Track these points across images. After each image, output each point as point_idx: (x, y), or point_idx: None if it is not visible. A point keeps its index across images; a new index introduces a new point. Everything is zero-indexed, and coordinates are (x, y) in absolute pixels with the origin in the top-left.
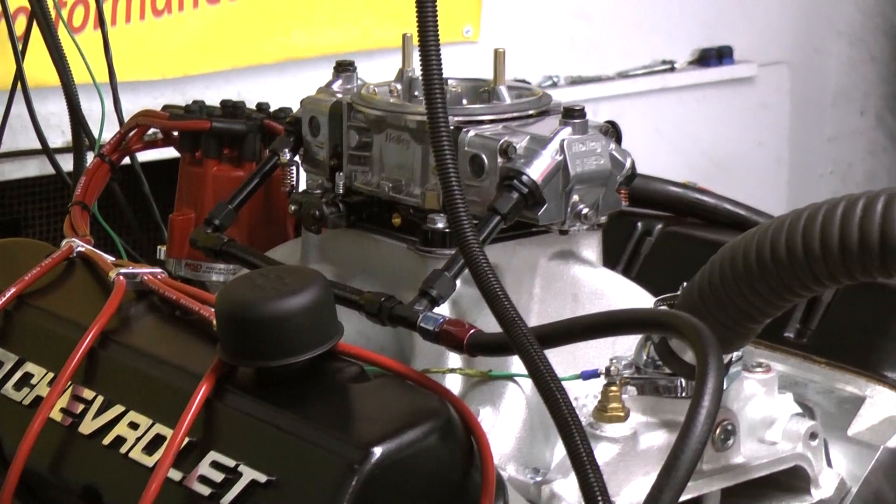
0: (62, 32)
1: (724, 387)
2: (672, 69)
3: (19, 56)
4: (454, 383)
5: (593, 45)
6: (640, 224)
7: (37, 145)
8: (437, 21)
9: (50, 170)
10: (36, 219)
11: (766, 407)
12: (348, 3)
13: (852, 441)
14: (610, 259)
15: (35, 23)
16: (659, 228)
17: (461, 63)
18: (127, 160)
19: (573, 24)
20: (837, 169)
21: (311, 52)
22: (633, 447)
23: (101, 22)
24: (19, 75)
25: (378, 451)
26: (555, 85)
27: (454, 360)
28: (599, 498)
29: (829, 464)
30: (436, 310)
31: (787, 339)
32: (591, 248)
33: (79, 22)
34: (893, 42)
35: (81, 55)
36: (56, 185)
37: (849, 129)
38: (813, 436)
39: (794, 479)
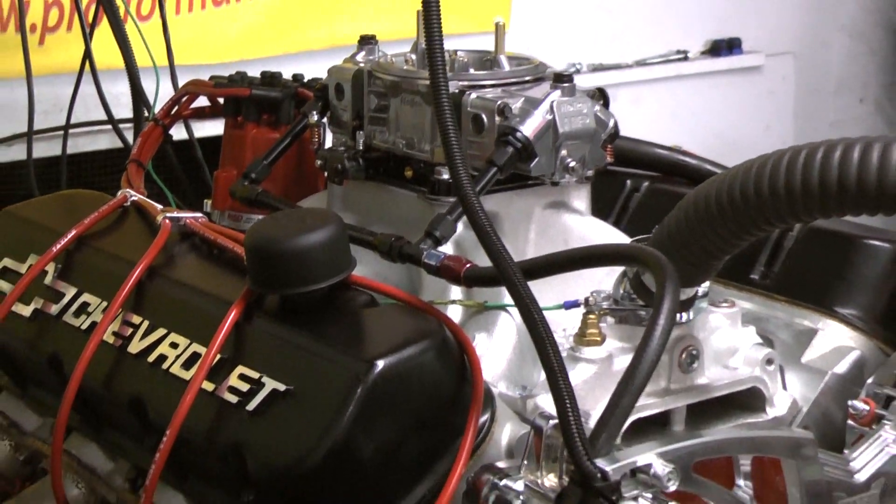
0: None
1: (691, 317)
2: (686, 58)
3: (88, 40)
4: (455, 313)
5: (613, 36)
6: (629, 182)
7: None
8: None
9: (119, 143)
10: (108, 188)
11: (730, 337)
12: None
13: (805, 367)
14: (601, 213)
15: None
16: (646, 186)
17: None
18: (185, 135)
19: (596, 15)
20: None
21: (356, 39)
22: (609, 368)
23: (160, 10)
24: (88, 56)
25: (381, 364)
26: (578, 72)
27: (455, 293)
28: (567, 403)
29: (784, 387)
30: (440, 249)
31: (753, 281)
32: (580, 199)
33: (146, 11)
34: (891, 35)
35: (143, 40)
36: (125, 158)
37: (850, 116)
38: (769, 361)
39: (752, 398)
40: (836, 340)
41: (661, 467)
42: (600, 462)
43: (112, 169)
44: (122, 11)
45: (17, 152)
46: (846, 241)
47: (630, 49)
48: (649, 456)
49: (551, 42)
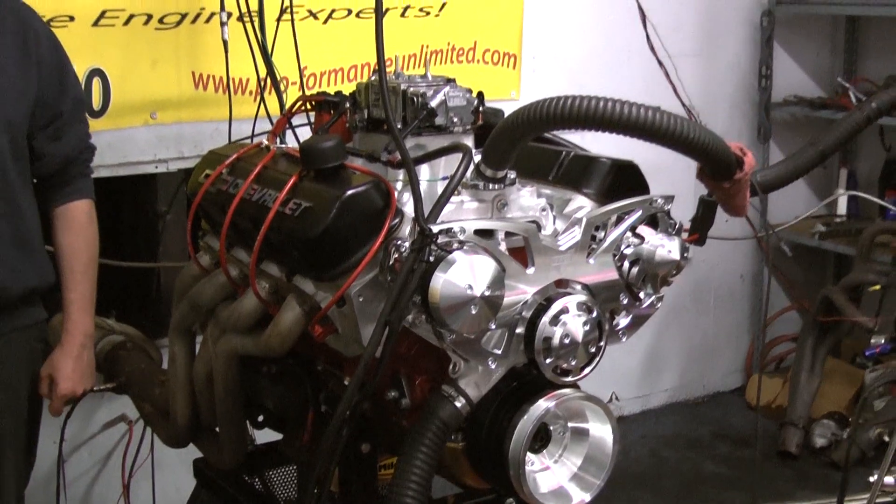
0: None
1: (503, 187)
2: None
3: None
4: (399, 185)
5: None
6: None
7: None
8: (383, 46)
9: None
10: None
11: (528, 200)
12: None
13: (563, 215)
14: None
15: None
16: None
17: None
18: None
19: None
20: None
21: None
22: (461, 205)
23: (300, 80)
24: (263, 104)
25: (348, 192)
26: None
27: (402, 175)
28: (419, 200)
29: (554, 223)
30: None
31: (549, 179)
32: (469, 140)
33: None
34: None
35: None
36: None
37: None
38: (543, 209)
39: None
40: (579, 204)
41: (457, 228)
42: (431, 226)
43: None
44: (281, 84)
45: None
46: (590, 159)
47: None
48: (453, 224)
49: None
